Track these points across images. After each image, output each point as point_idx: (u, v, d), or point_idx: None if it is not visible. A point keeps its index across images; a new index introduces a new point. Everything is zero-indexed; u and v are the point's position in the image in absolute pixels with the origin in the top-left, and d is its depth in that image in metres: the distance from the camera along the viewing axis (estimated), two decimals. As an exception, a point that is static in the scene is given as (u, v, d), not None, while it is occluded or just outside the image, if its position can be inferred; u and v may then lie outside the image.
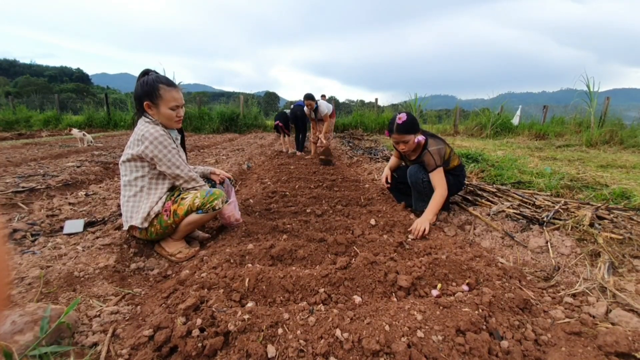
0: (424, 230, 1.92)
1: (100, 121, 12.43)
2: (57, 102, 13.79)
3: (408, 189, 2.50)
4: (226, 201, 1.88)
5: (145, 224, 1.71)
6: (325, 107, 5.40)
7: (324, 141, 5.35)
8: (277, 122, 6.45)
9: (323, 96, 5.94)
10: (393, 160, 2.67)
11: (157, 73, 1.76)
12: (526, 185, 2.90)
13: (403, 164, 2.64)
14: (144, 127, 1.67)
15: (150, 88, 1.69)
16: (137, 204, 1.73)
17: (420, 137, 2.18)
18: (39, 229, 1.99)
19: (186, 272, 1.48)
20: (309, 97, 5.37)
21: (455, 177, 2.33)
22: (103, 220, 2.16)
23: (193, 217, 1.73)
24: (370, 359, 0.94)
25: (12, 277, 1.37)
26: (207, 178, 2.13)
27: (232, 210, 1.99)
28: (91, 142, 6.67)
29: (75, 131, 6.67)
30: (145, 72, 1.74)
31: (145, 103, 1.70)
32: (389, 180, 2.59)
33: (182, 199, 1.74)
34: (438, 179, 2.15)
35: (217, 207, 1.76)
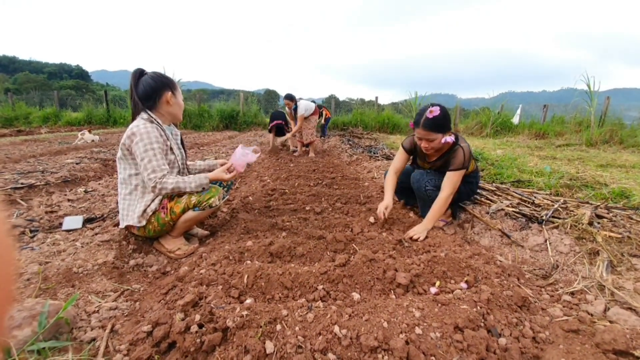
0: (418, 239, 1.82)
1: (100, 118, 12.38)
2: (57, 99, 13.74)
3: (411, 191, 2.36)
4: (223, 197, 1.88)
5: (143, 222, 1.70)
6: (303, 108, 5.51)
7: (290, 137, 5.86)
8: (281, 121, 6.39)
9: (319, 106, 6.22)
10: (400, 160, 2.23)
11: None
12: (526, 184, 2.90)
13: (410, 164, 2.33)
14: (138, 123, 1.65)
15: (169, 80, 1.76)
16: (133, 203, 1.72)
17: (449, 138, 1.89)
18: (37, 225, 1.99)
19: (185, 269, 1.48)
20: (287, 97, 5.71)
21: (467, 185, 2.14)
22: (102, 217, 2.16)
23: (190, 214, 1.73)
24: (368, 356, 0.94)
25: (16, 271, 1.37)
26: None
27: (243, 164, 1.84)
28: (93, 140, 6.59)
29: (87, 135, 6.62)
30: (142, 72, 1.73)
31: (167, 94, 1.72)
32: (386, 215, 2.05)
33: (179, 196, 1.73)
34: (452, 180, 1.92)
35: (213, 205, 1.75)
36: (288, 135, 5.93)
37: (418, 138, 1.95)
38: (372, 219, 2.17)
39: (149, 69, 1.77)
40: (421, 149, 2.01)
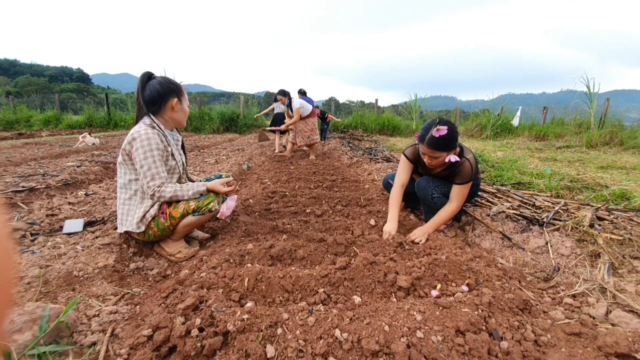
0: (419, 242, 1.80)
1: (101, 121, 12.43)
2: (58, 102, 13.79)
3: (412, 195, 2.34)
4: (223, 201, 1.88)
5: (142, 227, 1.69)
6: (298, 103, 5.36)
7: (283, 128, 5.63)
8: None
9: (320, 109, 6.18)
10: (405, 172, 2.11)
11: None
12: (526, 186, 2.90)
13: (414, 176, 2.26)
14: (139, 128, 1.65)
15: (177, 86, 1.74)
16: (132, 208, 1.71)
17: (453, 157, 1.81)
18: (38, 228, 1.99)
19: (185, 272, 1.48)
20: (280, 92, 5.48)
21: (470, 188, 2.06)
22: (103, 220, 2.15)
23: (189, 219, 1.73)
24: (369, 359, 0.94)
25: (16, 275, 1.37)
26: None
27: (223, 210, 2.02)
28: (94, 143, 6.62)
29: (88, 138, 6.62)
30: (150, 75, 1.72)
31: (173, 100, 1.72)
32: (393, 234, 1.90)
33: (177, 201, 1.73)
34: (460, 193, 1.91)
35: (213, 209, 1.75)
36: (282, 127, 5.70)
37: (422, 153, 1.88)
38: (372, 222, 2.17)
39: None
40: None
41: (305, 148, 5.94)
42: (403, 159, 2.13)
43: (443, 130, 1.73)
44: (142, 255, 1.82)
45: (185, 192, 1.70)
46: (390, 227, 1.94)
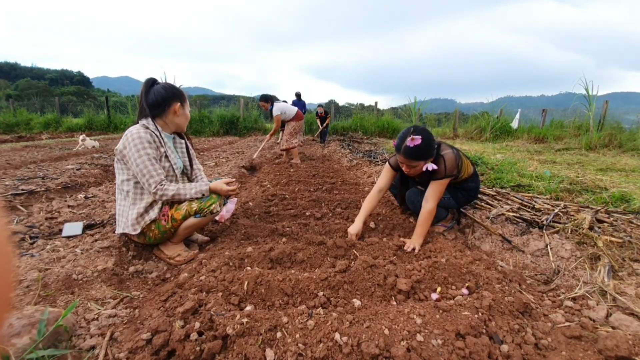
0: (414, 249, 1.76)
1: (101, 124, 12.45)
2: (58, 105, 13.81)
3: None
4: (225, 203, 1.88)
5: (138, 229, 1.67)
6: (278, 109, 5.27)
7: (268, 141, 5.59)
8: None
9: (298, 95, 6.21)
10: (386, 178, 2.08)
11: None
12: (526, 189, 2.90)
13: (400, 178, 2.24)
14: (132, 128, 1.66)
15: (180, 92, 1.79)
16: (126, 210, 1.70)
17: (430, 166, 1.80)
18: (37, 231, 1.99)
19: (185, 275, 1.47)
20: (262, 98, 5.41)
21: (465, 191, 2.11)
22: (102, 223, 2.15)
23: (191, 221, 1.73)
24: (369, 363, 0.93)
25: (15, 278, 1.36)
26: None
27: (223, 213, 2.00)
28: (94, 146, 6.63)
29: (87, 141, 6.63)
30: (154, 81, 1.76)
31: (176, 105, 1.75)
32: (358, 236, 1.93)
33: (179, 203, 1.73)
34: (436, 190, 1.86)
35: (214, 211, 1.75)
36: (263, 143, 5.75)
37: (400, 162, 1.88)
38: (372, 224, 2.17)
39: (149, 75, 1.81)
40: None
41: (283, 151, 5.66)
42: (386, 167, 2.10)
43: (417, 140, 1.71)
44: (142, 258, 1.82)
45: (188, 191, 1.71)
46: (352, 229, 1.93)
